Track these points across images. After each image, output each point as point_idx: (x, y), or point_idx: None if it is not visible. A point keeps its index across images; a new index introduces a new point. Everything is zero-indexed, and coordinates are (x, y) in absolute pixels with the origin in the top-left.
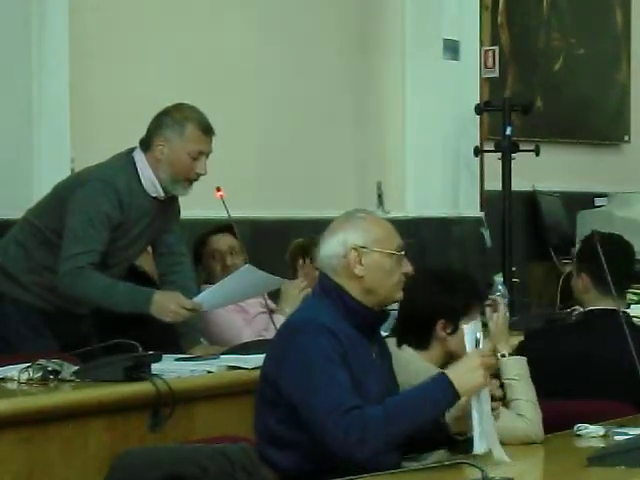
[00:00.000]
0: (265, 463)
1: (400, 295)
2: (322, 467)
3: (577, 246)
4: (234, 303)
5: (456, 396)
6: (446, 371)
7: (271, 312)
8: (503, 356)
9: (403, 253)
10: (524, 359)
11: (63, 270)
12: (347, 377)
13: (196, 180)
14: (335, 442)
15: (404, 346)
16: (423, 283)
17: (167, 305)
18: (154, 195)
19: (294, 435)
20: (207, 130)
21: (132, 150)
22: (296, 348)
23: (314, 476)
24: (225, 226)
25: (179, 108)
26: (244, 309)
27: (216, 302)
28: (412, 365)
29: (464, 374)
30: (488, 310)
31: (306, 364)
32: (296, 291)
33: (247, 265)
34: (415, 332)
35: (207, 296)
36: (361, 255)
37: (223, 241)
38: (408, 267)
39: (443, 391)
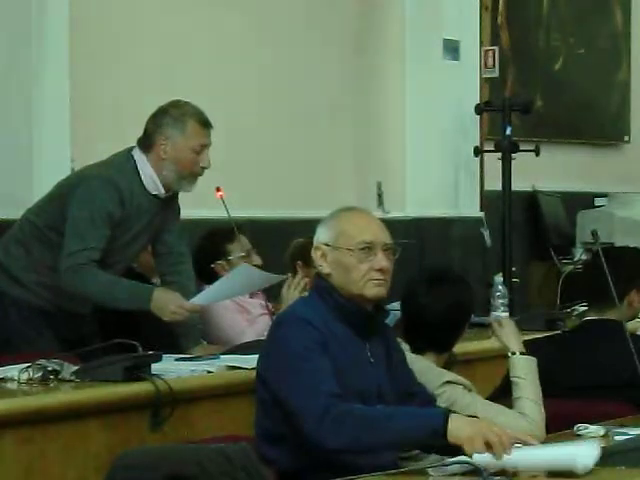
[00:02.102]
0: (263, 460)
1: (374, 292)
2: (316, 462)
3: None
4: (231, 297)
5: (442, 434)
6: (453, 413)
7: (272, 314)
8: (513, 354)
9: (364, 248)
10: (534, 360)
11: (64, 267)
12: (329, 365)
13: (201, 175)
14: (310, 424)
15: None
16: (413, 286)
17: (166, 305)
18: (154, 193)
19: (284, 429)
20: (206, 123)
21: (131, 149)
22: (278, 341)
23: (312, 471)
24: (230, 230)
25: (176, 105)
26: (247, 309)
27: (214, 300)
28: (414, 365)
29: (464, 424)
30: (495, 325)
31: (287, 355)
32: (296, 292)
33: (243, 264)
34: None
35: (205, 296)
36: (325, 253)
37: (242, 242)
38: (382, 262)
39: (435, 421)
